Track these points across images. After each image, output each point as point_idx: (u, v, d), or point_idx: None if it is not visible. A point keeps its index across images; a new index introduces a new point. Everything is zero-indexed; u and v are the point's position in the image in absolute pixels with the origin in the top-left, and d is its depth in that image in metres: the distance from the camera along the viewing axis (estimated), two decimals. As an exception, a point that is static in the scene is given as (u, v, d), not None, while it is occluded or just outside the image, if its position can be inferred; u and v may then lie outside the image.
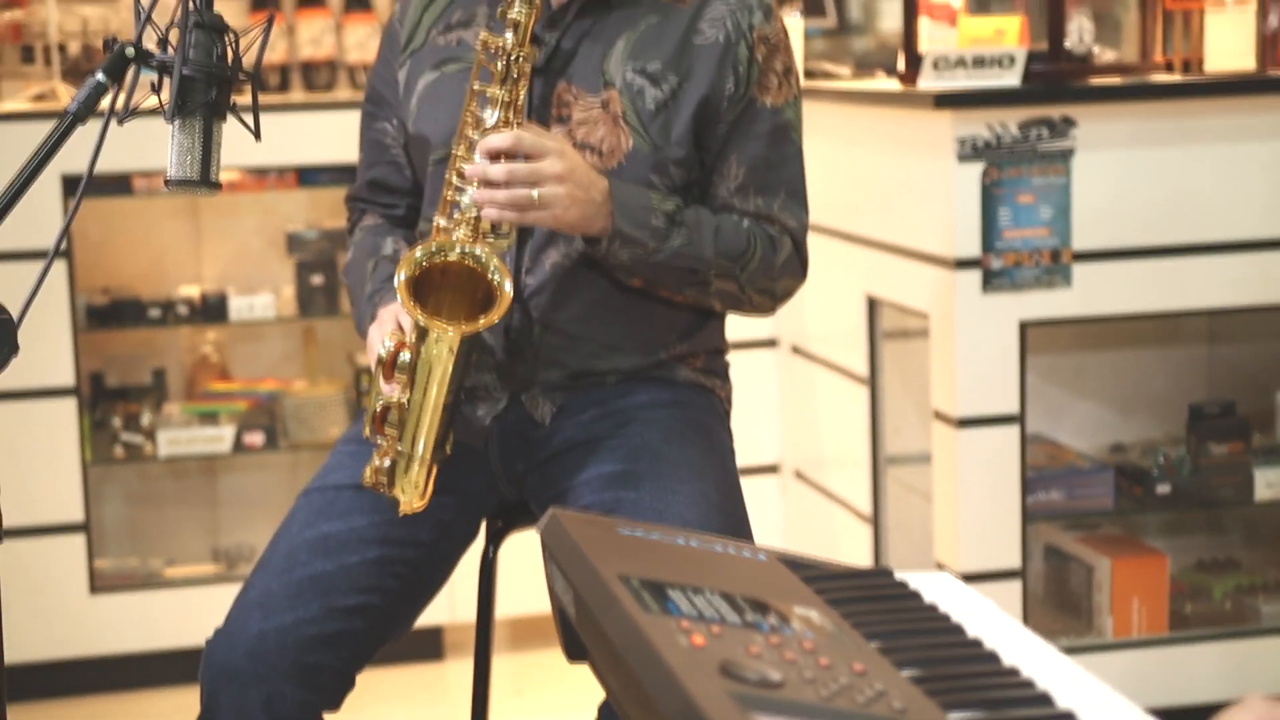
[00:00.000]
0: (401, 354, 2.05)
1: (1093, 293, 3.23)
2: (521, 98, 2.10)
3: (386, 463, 2.08)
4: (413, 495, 2.08)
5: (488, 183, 2.04)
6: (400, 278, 2.03)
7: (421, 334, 2.04)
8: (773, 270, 2.24)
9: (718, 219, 2.21)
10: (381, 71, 2.36)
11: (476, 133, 2.09)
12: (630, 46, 2.21)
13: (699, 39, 2.22)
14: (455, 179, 2.11)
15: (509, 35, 2.09)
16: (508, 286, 2.04)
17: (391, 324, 2.12)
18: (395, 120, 2.33)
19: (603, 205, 2.10)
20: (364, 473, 2.10)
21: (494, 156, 2.04)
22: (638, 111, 2.19)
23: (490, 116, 2.09)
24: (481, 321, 2.03)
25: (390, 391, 2.06)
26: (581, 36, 2.22)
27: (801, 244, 2.28)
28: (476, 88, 2.11)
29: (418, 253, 2.06)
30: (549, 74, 2.21)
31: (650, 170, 2.19)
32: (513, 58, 2.09)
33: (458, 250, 2.07)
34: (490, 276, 2.06)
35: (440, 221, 2.11)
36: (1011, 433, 3.24)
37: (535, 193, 2.03)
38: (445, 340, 2.03)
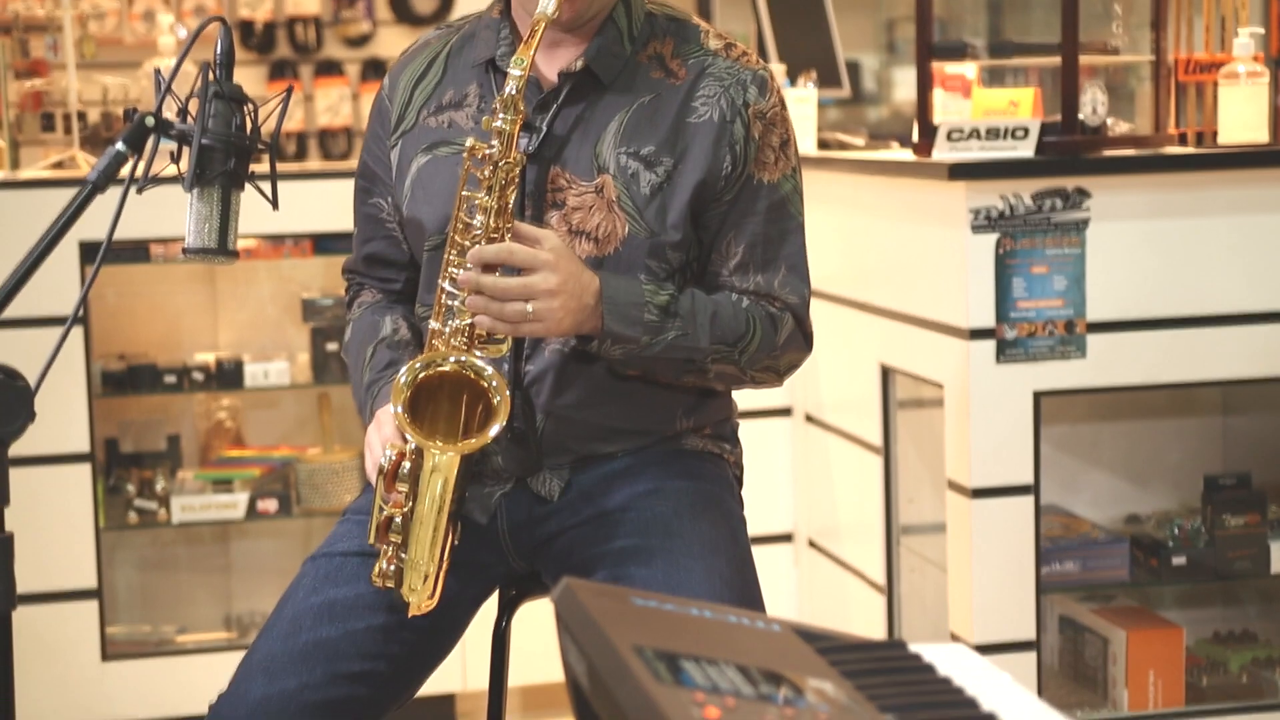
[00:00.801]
0: (403, 464, 2.06)
1: (1107, 363, 3.23)
2: (510, 204, 2.09)
3: (392, 567, 2.09)
4: (421, 596, 2.09)
5: (480, 292, 2.03)
6: (398, 402, 2.03)
7: (419, 454, 2.06)
8: (774, 349, 2.22)
9: (715, 303, 2.18)
10: (373, 148, 2.34)
11: (467, 239, 2.09)
12: (623, 128, 2.18)
13: (693, 117, 2.19)
14: (448, 284, 2.10)
15: (495, 142, 2.07)
16: (502, 415, 2.03)
17: (391, 428, 2.12)
18: (389, 197, 2.32)
19: (595, 307, 2.09)
20: (372, 573, 2.11)
21: (486, 266, 2.04)
22: (632, 197, 2.16)
23: (478, 222, 2.08)
24: (475, 441, 2.04)
25: (392, 502, 2.07)
26: (574, 120, 2.19)
27: (804, 319, 2.26)
28: (465, 194, 2.10)
29: (403, 378, 2.05)
30: (541, 160, 2.18)
31: (647, 255, 2.16)
32: (499, 164, 2.07)
33: (453, 360, 2.07)
34: (486, 386, 2.06)
35: (435, 325, 2.11)
36: (1026, 503, 3.23)
37: (529, 307, 2.03)
38: (445, 460, 2.04)
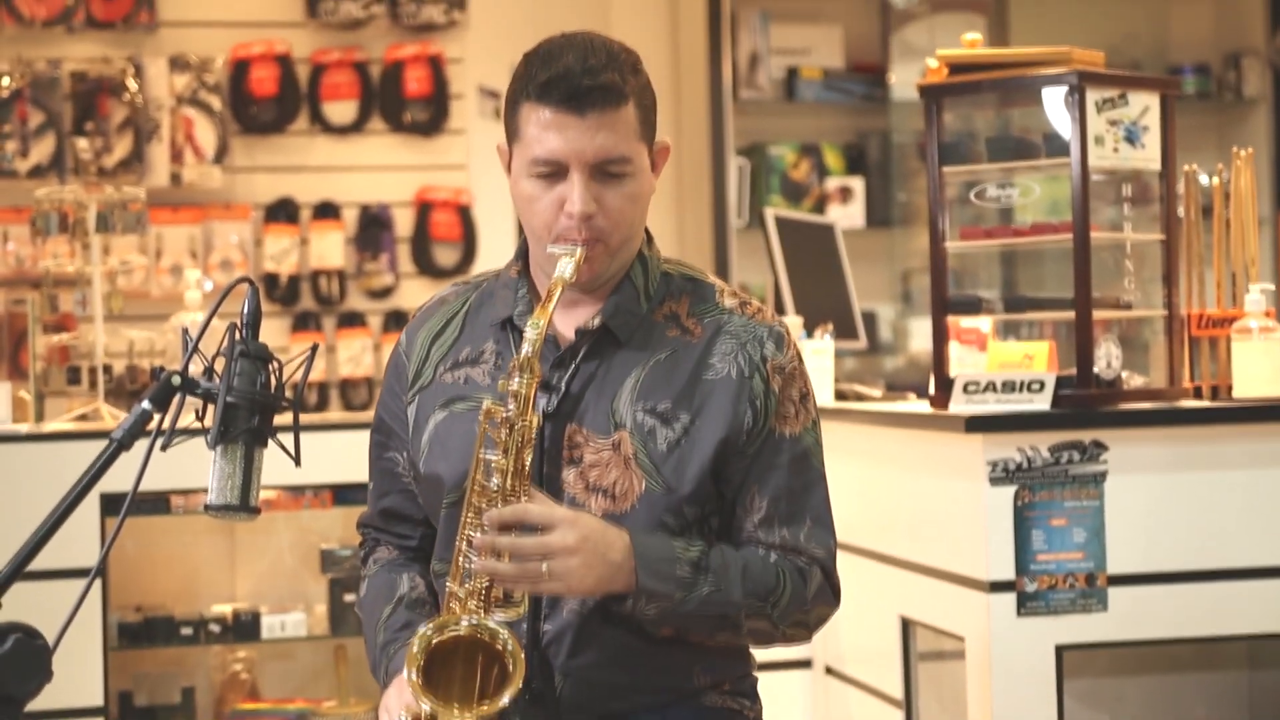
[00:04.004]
0: None
1: (1129, 617, 3.20)
2: (527, 465, 2.09)
3: None
4: None
5: (497, 553, 2.04)
6: (412, 668, 2.01)
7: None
8: (805, 603, 2.21)
9: (745, 557, 2.18)
10: (389, 403, 2.35)
11: (484, 501, 2.09)
12: (640, 385, 2.19)
13: (710, 374, 2.20)
14: (465, 546, 2.10)
15: (511, 405, 2.08)
16: (517, 680, 2.02)
17: (409, 693, 2.09)
18: (405, 452, 2.32)
19: (624, 563, 2.08)
20: None
21: (502, 528, 2.05)
22: (649, 454, 2.16)
23: (494, 483, 2.08)
24: (489, 706, 2.02)
25: None
26: (590, 378, 2.20)
27: (831, 572, 2.25)
28: (482, 455, 2.10)
29: (416, 646, 2.04)
30: (559, 417, 2.19)
31: (664, 512, 2.16)
32: (515, 426, 2.08)
33: (467, 624, 2.06)
34: (501, 649, 2.04)
35: (452, 586, 2.11)
36: (1051, 760, 3.18)
37: (545, 566, 2.03)
38: None
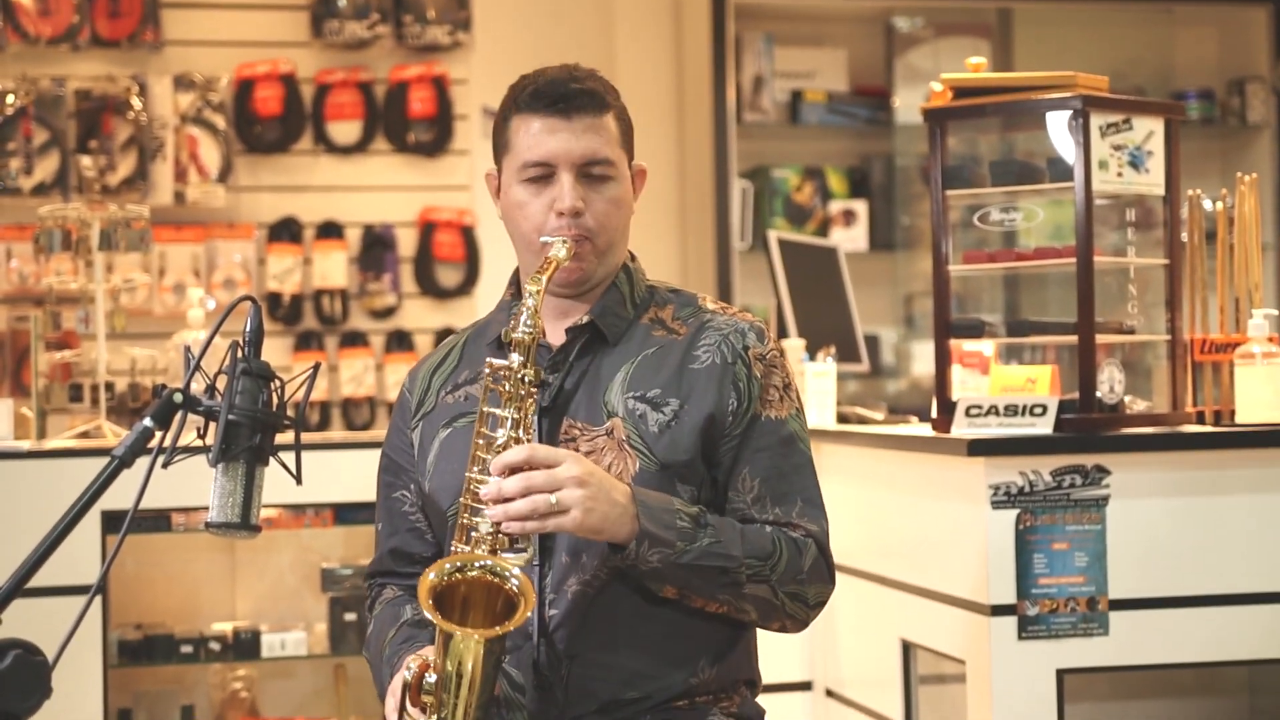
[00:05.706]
0: (426, 676, 2.05)
1: (1131, 641, 3.20)
2: (530, 415, 2.16)
3: None
4: None
5: (504, 499, 2.07)
6: (424, 586, 2.04)
7: (444, 649, 2.04)
8: (801, 573, 2.24)
9: (741, 524, 2.24)
10: (395, 440, 2.42)
11: (489, 453, 2.14)
12: (629, 377, 2.28)
13: (695, 364, 2.29)
14: (471, 501, 2.14)
15: (514, 356, 2.15)
16: (529, 593, 2.06)
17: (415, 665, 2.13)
18: (413, 486, 2.38)
19: (626, 508, 2.13)
20: None
21: (507, 473, 2.08)
22: (641, 435, 2.24)
23: (500, 435, 2.14)
24: (508, 625, 2.04)
25: (418, 715, 2.07)
26: (582, 375, 2.29)
27: (825, 548, 2.30)
28: (486, 410, 2.16)
29: (431, 576, 2.06)
30: (554, 413, 2.27)
31: (657, 488, 2.22)
32: (519, 376, 2.14)
33: (477, 566, 2.09)
34: (508, 586, 2.07)
35: (459, 547, 2.14)
36: (1051, 785, 3.17)
37: (554, 497, 2.07)
38: (470, 650, 2.03)
